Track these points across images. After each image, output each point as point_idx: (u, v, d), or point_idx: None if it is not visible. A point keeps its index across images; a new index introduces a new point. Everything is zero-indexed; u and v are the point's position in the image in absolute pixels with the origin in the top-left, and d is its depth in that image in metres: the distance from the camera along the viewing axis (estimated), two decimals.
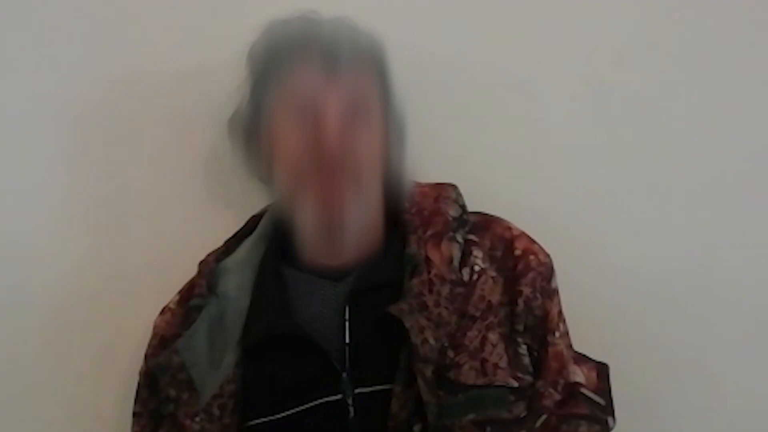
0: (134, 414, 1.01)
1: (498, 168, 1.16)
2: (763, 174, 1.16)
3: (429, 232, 0.99)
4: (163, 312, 1.04)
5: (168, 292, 1.05)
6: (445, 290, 0.95)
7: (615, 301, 1.14)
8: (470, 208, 1.03)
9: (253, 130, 1.02)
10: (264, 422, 0.94)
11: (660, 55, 1.17)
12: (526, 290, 0.96)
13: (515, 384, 0.93)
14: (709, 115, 1.16)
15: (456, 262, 0.97)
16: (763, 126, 1.17)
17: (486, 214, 1.04)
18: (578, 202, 1.16)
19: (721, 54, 1.17)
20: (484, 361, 0.92)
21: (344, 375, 0.92)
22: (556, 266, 1.01)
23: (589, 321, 1.05)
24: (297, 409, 0.92)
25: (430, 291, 0.94)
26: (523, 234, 1.01)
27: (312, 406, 0.92)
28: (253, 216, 1.09)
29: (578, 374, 0.96)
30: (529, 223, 1.02)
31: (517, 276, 0.97)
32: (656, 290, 1.14)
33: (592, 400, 0.95)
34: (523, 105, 1.17)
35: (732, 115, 1.16)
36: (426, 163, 1.07)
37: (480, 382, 0.91)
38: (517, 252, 0.99)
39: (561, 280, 1.01)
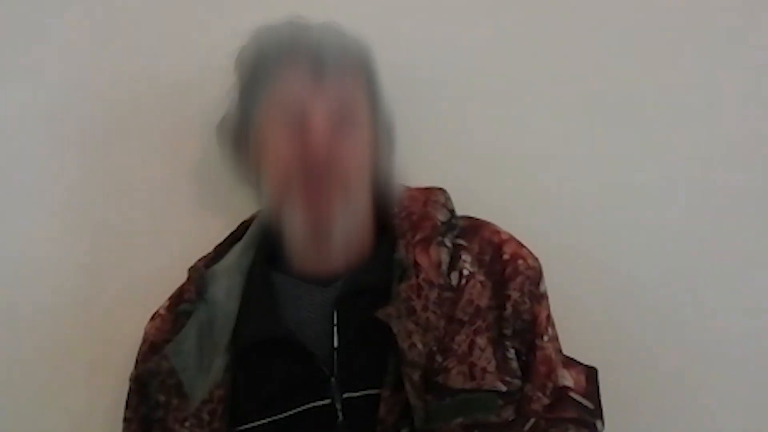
0: (125, 420, 1.01)
1: (487, 172, 1.16)
2: (754, 179, 1.16)
3: (417, 237, 0.99)
4: (153, 318, 1.05)
5: (159, 298, 1.06)
6: (434, 295, 0.95)
7: (605, 305, 1.14)
8: (459, 211, 1.03)
9: (241, 136, 1.02)
10: (253, 427, 0.94)
11: (650, 59, 1.17)
12: (515, 294, 0.96)
13: (503, 388, 0.93)
14: (701, 119, 1.16)
15: (444, 267, 0.97)
16: (754, 128, 1.17)
17: (475, 218, 1.04)
18: (568, 206, 1.16)
19: (713, 57, 1.17)
20: (472, 366, 0.93)
21: (333, 379, 0.93)
22: (545, 270, 1.00)
23: (579, 325, 1.06)
24: (286, 414, 0.93)
25: (419, 296, 0.94)
26: (511, 238, 1.01)
27: (301, 411, 0.93)
28: (243, 222, 1.09)
29: (567, 378, 0.96)
30: (518, 227, 1.02)
31: (506, 280, 0.97)
32: (646, 294, 1.14)
33: (580, 403, 0.95)
34: (513, 109, 1.17)
35: (724, 119, 1.16)
36: (415, 167, 1.07)
37: (468, 386, 0.92)
38: (506, 256, 0.99)
39: (551, 284, 1.01)
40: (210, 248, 1.07)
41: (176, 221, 1.15)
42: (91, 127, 1.16)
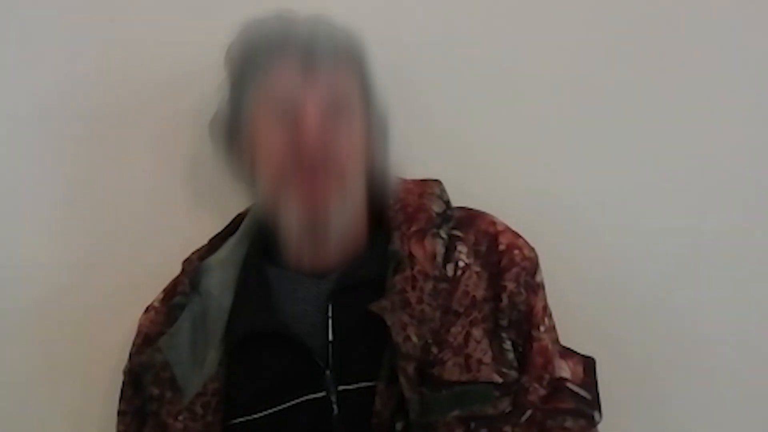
0: (119, 413, 1.02)
1: (483, 163, 1.15)
2: (753, 169, 1.16)
3: (413, 229, 0.98)
4: (147, 310, 1.05)
5: (153, 291, 1.05)
6: (429, 286, 0.94)
7: (602, 296, 1.14)
8: (455, 203, 1.03)
9: (233, 131, 1.01)
10: (247, 420, 0.94)
11: (651, 52, 1.16)
12: (510, 285, 0.96)
13: (499, 380, 0.92)
14: (700, 111, 1.16)
15: (440, 258, 0.97)
16: (754, 121, 1.16)
17: (470, 209, 1.03)
18: (566, 197, 1.15)
19: (712, 50, 1.16)
20: (468, 357, 0.92)
21: (327, 372, 0.92)
22: (543, 261, 1.00)
23: (575, 316, 1.05)
24: (280, 407, 0.93)
25: (413, 287, 0.94)
26: (507, 229, 1.01)
27: (295, 404, 0.92)
28: (239, 214, 1.09)
29: (564, 369, 0.96)
30: (514, 219, 1.02)
31: (502, 271, 0.97)
32: (644, 286, 1.14)
33: (577, 394, 0.95)
34: (511, 101, 1.16)
35: (723, 111, 1.16)
36: (410, 158, 1.06)
37: (464, 378, 0.91)
38: (502, 247, 0.98)
39: (549, 275, 1.00)
40: (204, 241, 1.06)
41: (170, 215, 1.14)
42: (83, 124, 1.16)
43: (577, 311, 1.09)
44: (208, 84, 1.04)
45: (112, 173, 1.15)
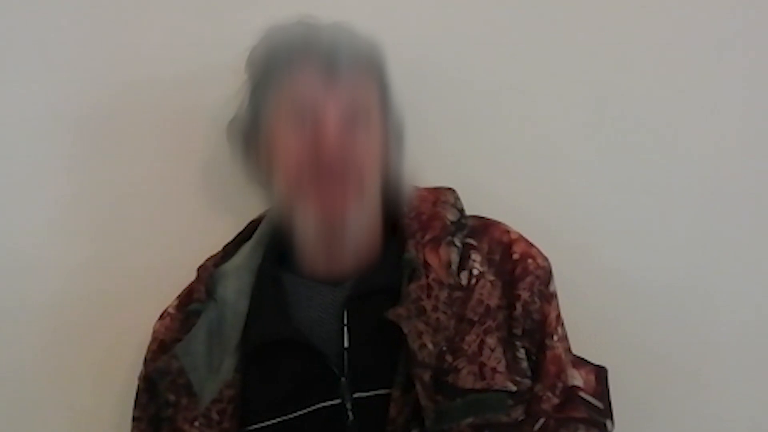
0: (134, 419, 1.02)
1: (497, 172, 1.16)
2: (762, 181, 1.16)
3: (427, 237, 0.99)
4: (162, 317, 1.05)
5: (168, 297, 1.06)
6: (444, 294, 0.95)
7: (613, 305, 1.14)
8: (469, 211, 1.03)
9: (252, 136, 1.02)
10: (263, 427, 0.94)
11: (660, 60, 1.16)
12: (524, 294, 0.97)
13: (513, 388, 0.93)
14: (710, 121, 1.16)
15: (454, 266, 0.97)
16: (761, 128, 1.16)
17: (484, 218, 1.04)
18: (577, 206, 1.16)
19: (723, 58, 1.17)
20: (482, 366, 0.93)
21: (343, 380, 0.93)
22: (554, 270, 1.00)
23: (587, 325, 1.05)
24: (296, 414, 0.93)
25: (429, 296, 0.94)
26: (521, 237, 1.01)
27: (311, 411, 0.93)
28: (252, 221, 1.09)
29: (576, 378, 0.96)
30: (527, 227, 1.02)
31: (515, 280, 0.97)
32: (654, 295, 1.14)
33: (590, 403, 0.95)
34: (522, 109, 1.17)
35: (734, 121, 1.16)
36: (424, 167, 1.07)
37: (478, 386, 0.92)
38: (515, 256, 0.99)
39: (559, 284, 1.01)
40: (218, 248, 1.06)
41: (185, 220, 1.15)
42: (100, 125, 1.16)
43: (590, 318, 1.09)
44: (225, 88, 1.04)
45: (126, 177, 1.15)
